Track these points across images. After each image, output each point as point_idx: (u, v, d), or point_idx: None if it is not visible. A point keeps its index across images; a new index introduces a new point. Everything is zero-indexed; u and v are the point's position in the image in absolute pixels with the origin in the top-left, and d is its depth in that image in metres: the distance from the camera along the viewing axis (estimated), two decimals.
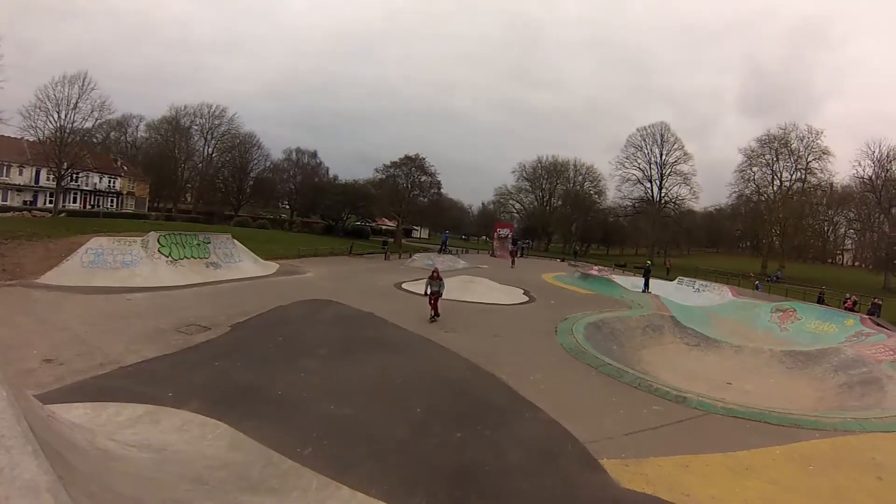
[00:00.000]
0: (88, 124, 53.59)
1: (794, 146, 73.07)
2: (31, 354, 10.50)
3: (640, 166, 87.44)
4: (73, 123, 51.12)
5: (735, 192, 78.90)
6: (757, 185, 76.84)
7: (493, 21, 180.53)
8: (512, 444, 8.23)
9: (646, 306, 24.61)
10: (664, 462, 7.93)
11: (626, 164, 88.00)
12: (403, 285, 25.24)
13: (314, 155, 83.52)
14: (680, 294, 32.46)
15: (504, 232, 65.74)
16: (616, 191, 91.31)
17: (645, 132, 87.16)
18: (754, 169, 76.40)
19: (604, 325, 18.94)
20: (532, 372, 12.12)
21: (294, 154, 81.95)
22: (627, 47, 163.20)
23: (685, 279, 38.42)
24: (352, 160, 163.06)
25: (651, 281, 33.68)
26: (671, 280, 38.57)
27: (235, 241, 28.04)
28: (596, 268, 44.79)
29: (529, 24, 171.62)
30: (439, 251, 50.65)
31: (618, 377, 12.48)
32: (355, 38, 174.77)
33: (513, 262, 47.58)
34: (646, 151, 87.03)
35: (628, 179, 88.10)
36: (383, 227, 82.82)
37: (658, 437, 9.03)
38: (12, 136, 53.47)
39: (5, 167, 60.01)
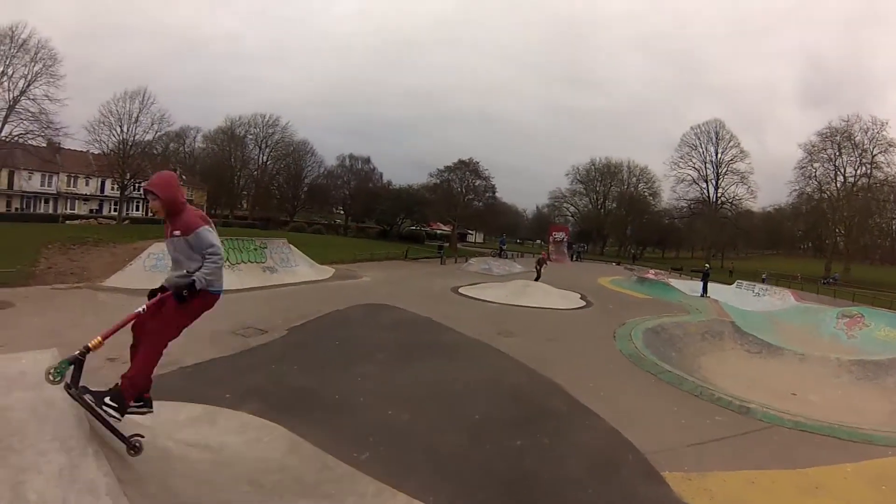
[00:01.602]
0: (149, 137, 57.09)
1: (857, 139, 70.35)
2: (97, 354, 10.46)
3: (696, 166, 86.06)
4: (134, 136, 54.79)
5: (795, 190, 76.49)
6: (819, 182, 74.10)
7: (538, 24, 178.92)
8: (571, 453, 7.92)
9: (705, 311, 23.90)
10: (728, 477, 7.47)
11: (681, 164, 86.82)
12: (460, 290, 25.06)
13: (367, 161, 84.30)
14: (739, 298, 31.53)
15: (559, 235, 65.32)
16: (671, 192, 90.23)
17: (699, 130, 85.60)
18: (815, 165, 73.88)
19: (662, 331, 18.36)
20: (590, 378, 11.75)
21: (347, 160, 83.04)
22: (675, 43, 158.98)
23: (745, 283, 37.47)
24: (405, 165, 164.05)
25: (709, 285, 32.73)
26: (731, 284, 37.47)
27: (291, 245, 28.44)
28: (652, 271, 43.91)
29: (575, 24, 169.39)
30: (497, 255, 50.45)
31: (678, 385, 12.01)
32: (402, 45, 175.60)
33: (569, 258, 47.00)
34: (700, 150, 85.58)
35: (683, 180, 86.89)
36: (438, 232, 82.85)
37: (722, 449, 8.55)
38: (79, 149, 56.61)
39: (73, 178, 63.80)
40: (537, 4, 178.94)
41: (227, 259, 23.14)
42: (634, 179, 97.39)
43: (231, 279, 21.81)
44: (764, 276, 49.62)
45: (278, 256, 26.38)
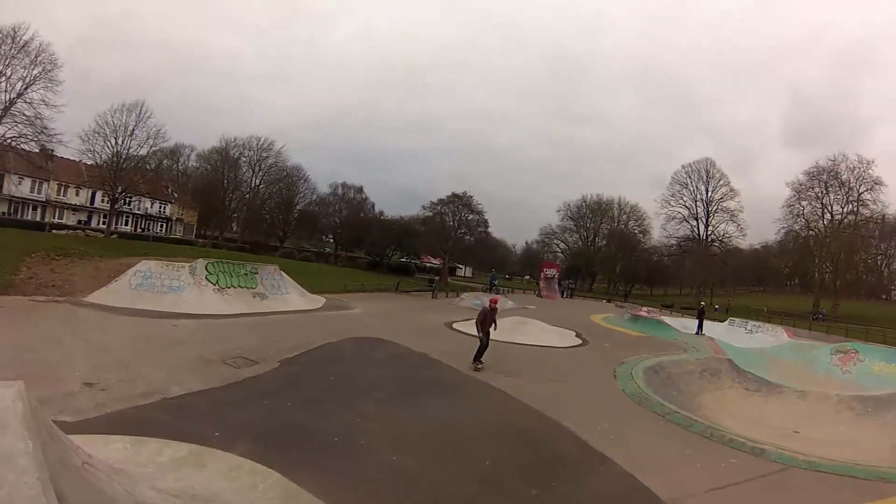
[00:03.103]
0: (143, 151, 56.56)
1: (844, 177, 71.40)
2: (73, 376, 10.05)
3: (686, 204, 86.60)
4: (128, 149, 54.21)
5: (783, 227, 76.99)
6: (806, 220, 74.65)
7: (536, 56, 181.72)
8: (591, 501, 7.42)
9: (701, 349, 23.36)
10: None
11: (672, 202, 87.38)
12: (454, 325, 24.37)
13: (360, 190, 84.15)
14: (732, 335, 31.33)
15: (551, 272, 65.36)
16: (661, 229, 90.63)
17: (690, 169, 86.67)
18: (803, 203, 74.45)
19: (661, 370, 17.82)
20: (598, 420, 11.12)
21: (340, 188, 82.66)
22: (670, 82, 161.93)
23: (736, 320, 37.61)
24: (398, 196, 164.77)
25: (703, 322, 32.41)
26: (722, 321, 37.20)
27: (283, 272, 27.75)
28: (645, 309, 43.54)
29: (573, 59, 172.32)
30: (488, 290, 50.10)
31: (686, 426, 11.45)
32: (399, 72, 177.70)
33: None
34: (691, 188, 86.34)
35: (674, 218, 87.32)
36: (428, 265, 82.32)
37: (743, 494, 8.06)
38: (72, 158, 56.10)
39: (64, 187, 62.90)
40: (535, 38, 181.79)
41: (217, 283, 22.45)
42: (625, 217, 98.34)
43: (220, 304, 21.21)
44: (764, 310, 49.36)
45: (269, 283, 25.65)
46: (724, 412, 15.18)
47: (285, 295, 25.92)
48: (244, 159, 79.74)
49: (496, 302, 16.24)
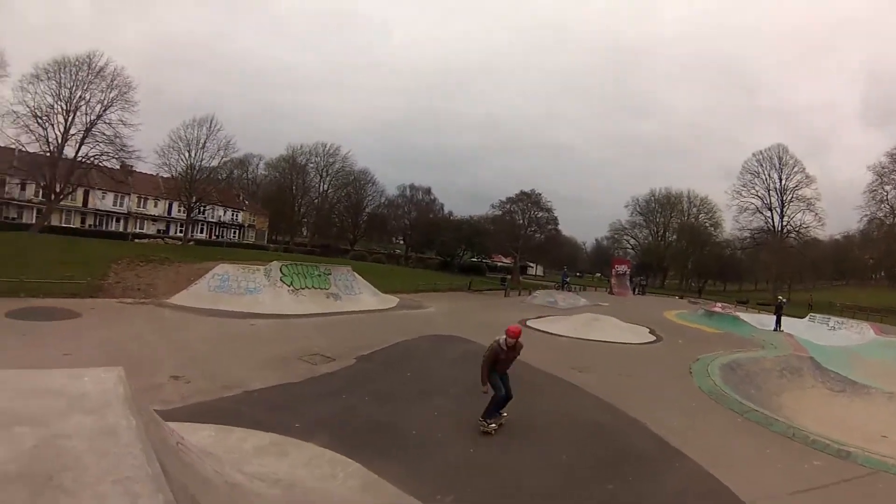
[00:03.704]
0: (215, 162, 60.73)
1: None
2: (160, 370, 10.69)
3: (759, 194, 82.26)
4: (201, 161, 58.53)
5: (866, 215, 72.98)
6: (891, 206, 70.28)
7: (589, 52, 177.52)
8: (669, 499, 7.31)
9: (780, 346, 22.42)
10: None
11: (743, 193, 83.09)
12: (528, 322, 24.26)
13: (428, 191, 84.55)
14: (813, 332, 29.51)
15: (622, 269, 64.15)
16: (733, 222, 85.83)
17: (761, 157, 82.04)
18: (887, 188, 70.14)
19: (738, 367, 17.14)
20: (674, 417, 10.90)
21: (408, 190, 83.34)
22: (731, 66, 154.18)
23: (818, 316, 35.51)
24: (463, 197, 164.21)
25: (781, 318, 31.05)
26: (802, 318, 35.52)
27: (356, 273, 28.34)
28: (719, 305, 42.04)
29: (627, 51, 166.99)
30: (560, 288, 49.66)
31: (766, 425, 11.03)
32: (457, 74, 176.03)
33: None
34: (763, 177, 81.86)
35: (746, 209, 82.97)
36: (499, 264, 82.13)
37: (828, 498, 7.72)
38: (149, 172, 60.23)
39: (143, 200, 67.29)
40: (586, 33, 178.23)
41: (291, 284, 23.18)
42: (695, 210, 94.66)
43: (295, 304, 21.87)
44: (838, 304, 46.60)
45: (342, 283, 26.24)
46: (805, 412, 14.51)
47: (358, 295, 26.45)
48: (311, 165, 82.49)
49: (518, 335, 9.99)
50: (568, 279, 57.21)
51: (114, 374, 4.23)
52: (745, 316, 33.57)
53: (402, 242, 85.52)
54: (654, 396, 12.79)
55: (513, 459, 8.14)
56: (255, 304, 21.19)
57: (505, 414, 9.81)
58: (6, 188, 53.87)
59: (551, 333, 21.72)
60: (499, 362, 9.93)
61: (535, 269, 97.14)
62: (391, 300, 28.29)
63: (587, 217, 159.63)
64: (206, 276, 22.52)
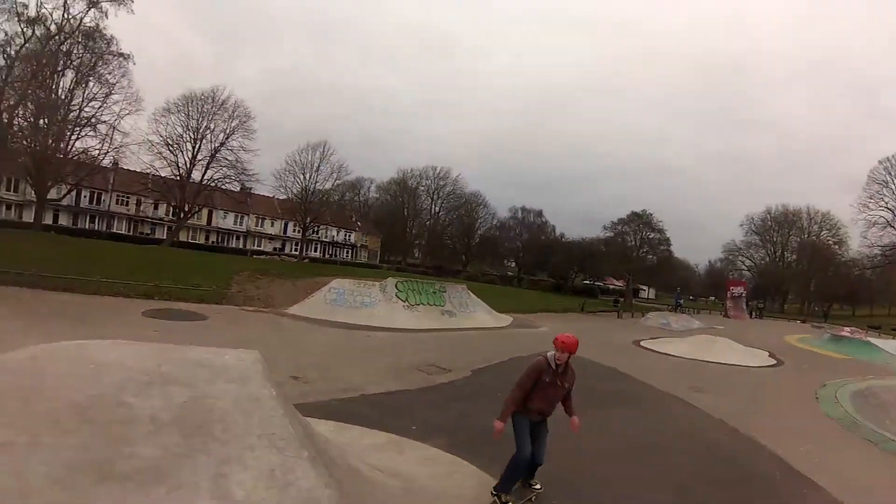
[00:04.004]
0: (328, 185, 64.45)
1: None
2: (281, 370, 11.04)
3: (889, 205, 71.68)
4: (315, 184, 62.28)
5: None
6: None
7: (685, 66, 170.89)
8: None
9: None
10: None
11: (871, 206, 72.08)
12: (642, 343, 23.72)
13: (539, 214, 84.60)
14: None
15: (738, 290, 60.85)
16: (861, 238, 74.94)
17: (889, 164, 70.89)
18: None
19: (871, 395, 15.54)
20: (799, 442, 10.09)
21: (519, 212, 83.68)
22: (842, 67, 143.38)
23: None
24: (572, 219, 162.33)
25: None
26: None
27: (470, 291, 28.75)
28: (848, 329, 38.81)
29: (729, 63, 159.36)
30: (673, 310, 48.12)
31: None
32: (555, 95, 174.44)
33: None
34: (893, 187, 71.37)
35: (875, 223, 72.11)
36: (611, 287, 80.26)
37: None
38: (267, 194, 65.89)
39: (261, 219, 73.02)
40: (680, 47, 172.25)
41: (406, 300, 23.69)
42: (816, 227, 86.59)
43: (410, 319, 22.30)
44: None
45: (457, 301, 26.60)
46: None
47: (473, 313, 26.73)
48: (422, 188, 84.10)
49: (575, 347, 6.49)
50: (682, 301, 55.20)
51: (252, 354, 4.82)
52: (878, 342, 31.03)
53: (513, 265, 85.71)
54: (777, 420, 12.05)
55: (628, 475, 7.85)
56: (370, 317, 21.80)
57: (537, 487, 6.62)
58: (141, 207, 62.47)
59: (666, 354, 21.21)
60: (538, 392, 6.42)
61: (647, 293, 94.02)
62: (505, 319, 28.32)
63: (700, 241, 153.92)
64: (322, 290, 23.48)
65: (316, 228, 69.41)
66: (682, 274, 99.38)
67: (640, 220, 66.61)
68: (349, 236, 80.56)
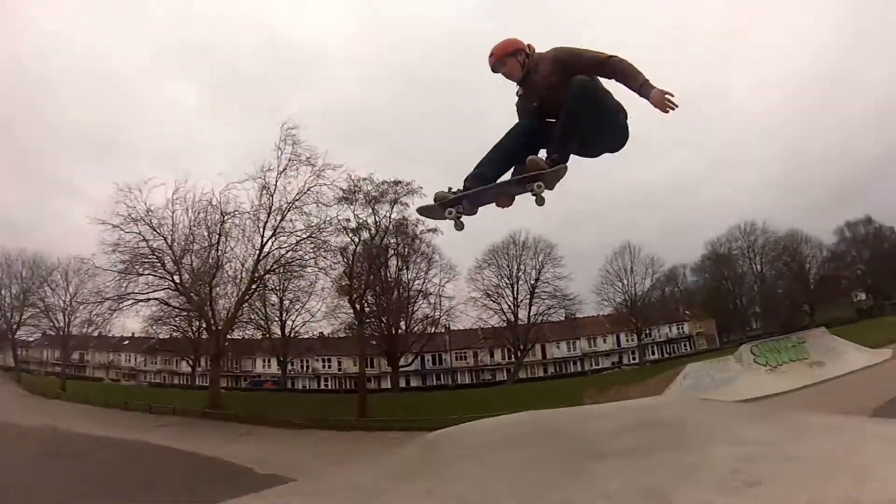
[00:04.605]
0: (647, 283, 66.25)
1: None
2: None
3: None
4: (633, 287, 64.30)
5: None
6: None
7: None
8: None
9: None
10: None
11: None
12: None
13: (868, 221, 73.24)
14: None
15: None
16: None
17: None
18: None
19: None
20: None
21: (846, 230, 73.97)
22: None
23: None
24: None
25: None
26: None
27: (831, 334, 26.73)
28: None
29: None
30: None
31: None
32: None
33: None
34: None
35: None
36: None
37: None
38: (591, 314, 69.18)
39: (592, 339, 74.32)
40: None
41: (767, 363, 22.70)
42: None
43: (774, 383, 21.34)
44: None
45: (822, 348, 24.76)
46: None
47: (843, 355, 24.43)
48: (735, 251, 78.33)
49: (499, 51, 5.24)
50: None
51: None
52: None
53: (862, 296, 75.06)
54: None
55: None
56: (732, 393, 21.05)
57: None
58: (479, 357, 70.52)
59: None
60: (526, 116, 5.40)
61: None
62: (883, 353, 25.18)
63: None
64: (677, 379, 23.64)
65: (648, 331, 69.27)
66: None
67: None
68: (682, 329, 77.81)
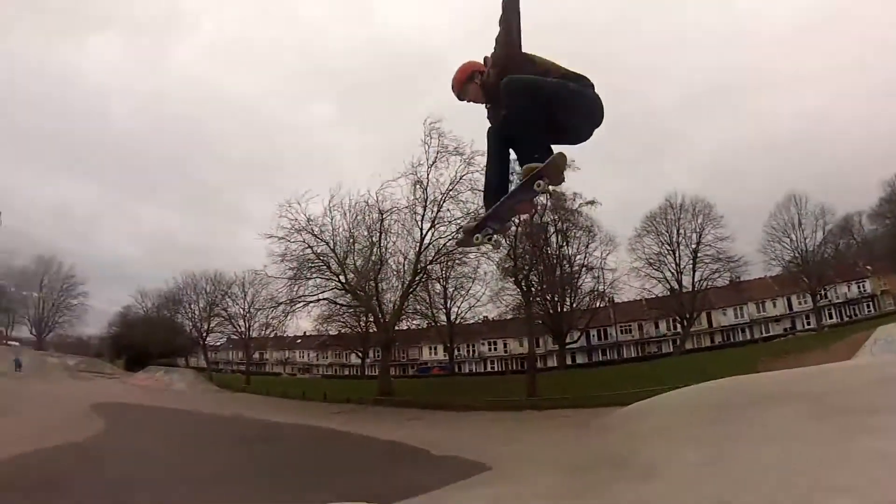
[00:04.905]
0: (818, 237, 57.34)
1: None
2: None
3: None
4: (804, 241, 56.59)
5: None
6: None
7: None
8: None
9: None
10: None
11: None
12: None
13: None
14: None
15: None
16: None
17: None
18: None
19: None
20: None
21: None
22: None
23: None
24: None
25: None
26: None
27: None
28: None
29: None
30: None
31: None
32: None
33: None
34: None
35: None
36: None
37: None
38: (758, 276, 62.20)
39: (760, 304, 67.97)
40: None
41: None
42: None
43: None
44: None
45: None
46: None
47: None
48: None
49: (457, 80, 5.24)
50: None
51: None
52: None
53: None
54: None
55: None
56: None
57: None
58: (644, 329, 68.30)
59: None
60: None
61: None
62: None
63: None
64: (865, 344, 21.69)
65: (823, 291, 61.15)
66: None
67: None
68: (863, 287, 66.31)
